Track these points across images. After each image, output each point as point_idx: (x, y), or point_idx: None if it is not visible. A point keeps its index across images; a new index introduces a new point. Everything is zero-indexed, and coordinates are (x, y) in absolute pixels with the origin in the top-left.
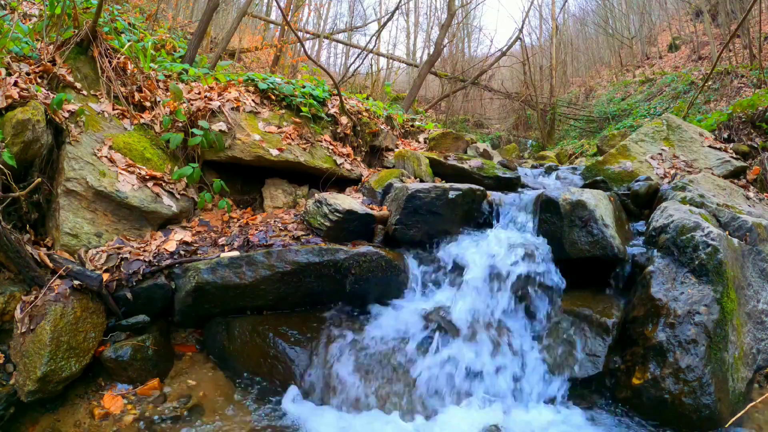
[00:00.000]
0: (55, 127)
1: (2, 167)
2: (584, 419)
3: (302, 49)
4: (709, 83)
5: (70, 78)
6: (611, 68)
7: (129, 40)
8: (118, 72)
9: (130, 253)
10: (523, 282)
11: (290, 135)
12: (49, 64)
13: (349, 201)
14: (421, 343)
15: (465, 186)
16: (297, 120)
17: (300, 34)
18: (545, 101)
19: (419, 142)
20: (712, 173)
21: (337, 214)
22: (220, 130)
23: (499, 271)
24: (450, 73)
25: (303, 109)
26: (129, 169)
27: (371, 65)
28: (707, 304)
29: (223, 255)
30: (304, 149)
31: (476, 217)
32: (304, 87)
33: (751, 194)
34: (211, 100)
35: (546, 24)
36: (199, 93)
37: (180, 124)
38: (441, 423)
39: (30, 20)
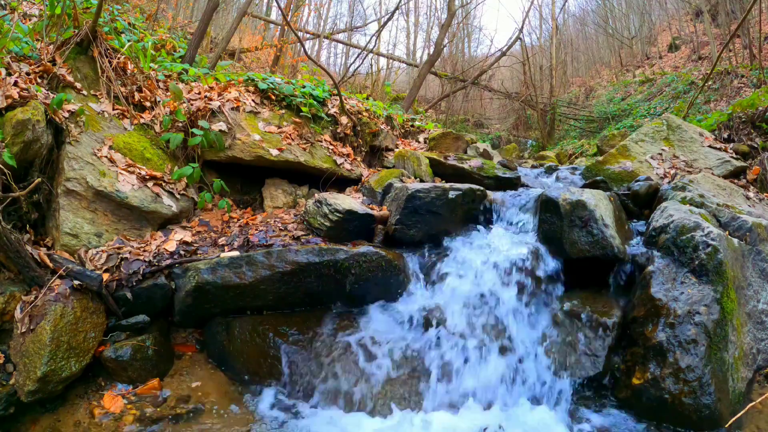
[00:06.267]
0: (55, 127)
1: (2, 167)
2: (584, 419)
3: (302, 49)
4: (709, 83)
5: (70, 78)
6: (611, 68)
7: (129, 40)
8: (118, 72)
9: (130, 253)
10: (523, 281)
11: (290, 135)
12: (49, 64)
13: (349, 201)
14: (420, 343)
15: (465, 186)
16: (297, 120)
17: (300, 34)
18: (545, 101)
19: (419, 142)
20: (712, 173)
21: (337, 214)
22: (220, 130)
23: (499, 270)
24: (450, 73)
25: (303, 109)
26: (129, 169)
27: (371, 65)
28: (707, 304)
29: (223, 255)
30: (304, 149)
31: (476, 217)
32: (304, 87)
33: (751, 194)
34: (211, 100)
35: (546, 24)
36: (199, 93)
37: (180, 124)
38: (440, 422)
39: (30, 20)
